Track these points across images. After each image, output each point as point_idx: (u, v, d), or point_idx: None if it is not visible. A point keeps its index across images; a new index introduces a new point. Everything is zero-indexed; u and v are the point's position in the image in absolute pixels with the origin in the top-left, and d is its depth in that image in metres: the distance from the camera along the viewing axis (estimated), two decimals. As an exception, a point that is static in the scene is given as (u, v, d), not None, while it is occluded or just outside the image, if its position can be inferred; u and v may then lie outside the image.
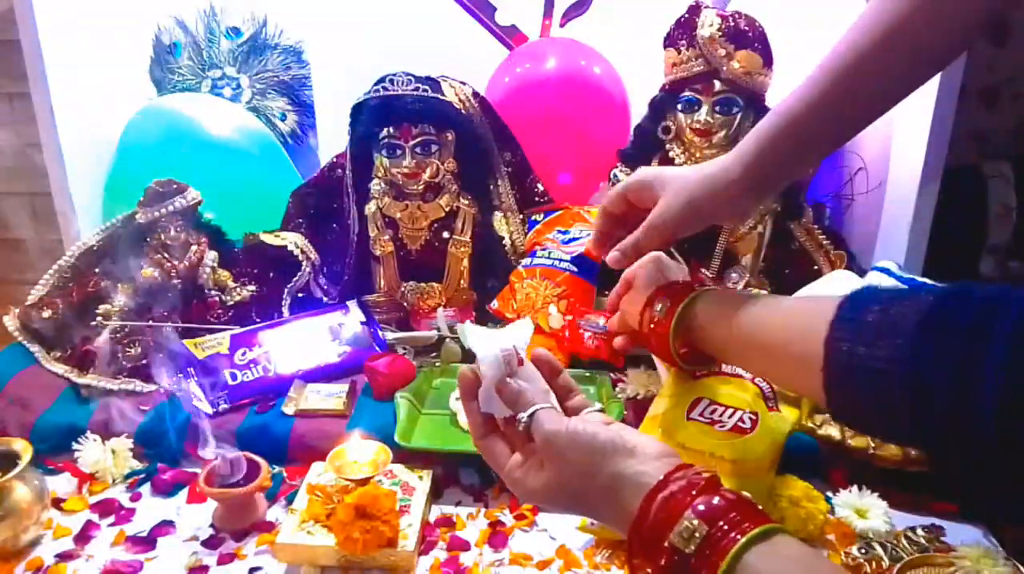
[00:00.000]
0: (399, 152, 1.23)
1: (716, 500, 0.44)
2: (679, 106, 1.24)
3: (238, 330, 1.15)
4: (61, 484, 0.95)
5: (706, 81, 1.20)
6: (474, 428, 0.58)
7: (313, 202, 1.35)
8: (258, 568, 0.83)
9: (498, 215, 1.32)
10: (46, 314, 1.16)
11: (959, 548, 0.81)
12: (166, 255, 1.19)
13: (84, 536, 0.87)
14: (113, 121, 1.41)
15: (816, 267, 1.25)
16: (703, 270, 1.27)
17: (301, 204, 1.36)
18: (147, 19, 1.54)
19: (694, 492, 0.44)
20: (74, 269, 1.22)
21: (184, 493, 0.95)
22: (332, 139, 1.47)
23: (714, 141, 1.23)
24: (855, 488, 0.88)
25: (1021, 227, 1.46)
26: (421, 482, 0.91)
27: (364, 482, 0.86)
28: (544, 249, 1.24)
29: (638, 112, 1.35)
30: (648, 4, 1.37)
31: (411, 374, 1.08)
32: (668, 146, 1.28)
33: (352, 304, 1.23)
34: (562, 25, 1.49)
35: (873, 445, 0.91)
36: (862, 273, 1.07)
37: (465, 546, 0.85)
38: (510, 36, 1.49)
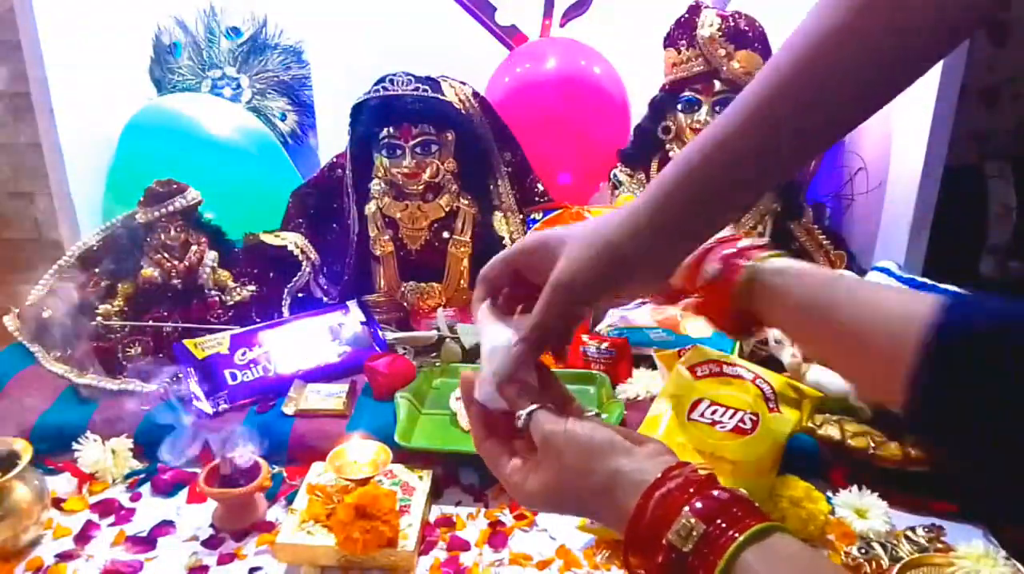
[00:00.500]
0: (399, 152, 1.23)
1: (714, 498, 0.43)
2: (679, 106, 1.24)
3: (238, 330, 1.15)
4: (61, 484, 0.95)
5: (706, 81, 1.21)
6: (475, 430, 0.57)
7: (313, 202, 1.35)
8: (258, 568, 0.83)
9: (498, 215, 1.31)
10: (46, 314, 1.16)
11: (959, 548, 0.81)
12: (166, 255, 1.19)
13: (84, 536, 0.87)
14: (113, 121, 1.41)
15: (816, 267, 1.25)
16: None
17: (301, 204, 1.36)
18: (147, 19, 1.54)
19: (692, 490, 0.44)
20: (74, 269, 1.22)
21: (184, 493, 0.95)
22: (332, 139, 1.47)
23: (714, 141, 1.23)
24: (855, 488, 0.88)
25: (1021, 227, 1.46)
26: (421, 482, 0.91)
27: (364, 482, 0.86)
28: (544, 249, 1.23)
29: (638, 112, 1.35)
30: (648, 4, 1.37)
31: (411, 374, 1.08)
32: (668, 146, 1.28)
33: (352, 304, 1.23)
34: (562, 25, 1.49)
35: (873, 445, 0.91)
36: (862, 273, 1.07)
37: (465, 546, 0.85)
38: (510, 36, 1.49)
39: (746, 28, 1.18)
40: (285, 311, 1.24)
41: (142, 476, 0.97)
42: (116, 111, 1.42)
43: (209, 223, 1.24)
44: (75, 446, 0.97)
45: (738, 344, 1.08)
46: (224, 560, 0.84)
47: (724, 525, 0.42)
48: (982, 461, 0.47)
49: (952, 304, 0.44)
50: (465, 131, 1.26)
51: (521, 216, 1.33)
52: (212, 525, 0.89)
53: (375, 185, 1.26)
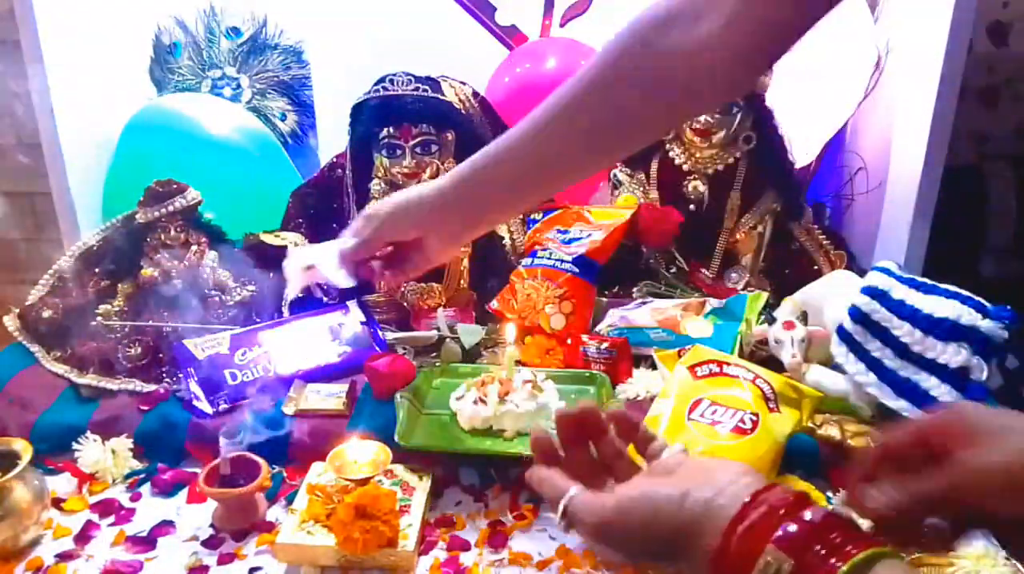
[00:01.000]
0: (399, 152, 1.23)
1: (805, 523, 0.38)
2: (679, 106, 1.24)
3: (238, 330, 1.15)
4: (61, 484, 0.95)
5: (706, 81, 1.20)
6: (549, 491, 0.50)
7: (313, 202, 1.35)
8: (258, 568, 0.83)
9: (498, 215, 1.31)
10: (46, 314, 1.16)
11: (959, 548, 0.80)
12: (166, 255, 1.19)
13: (84, 536, 0.87)
14: (113, 121, 1.41)
15: (816, 267, 1.25)
16: (703, 270, 1.27)
17: (301, 204, 1.35)
18: (147, 19, 1.54)
19: (778, 516, 0.38)
20: (74, 269, 1.22)
21: (184, 493, 0.95)
22: (332, 139, 1.47)
23: (714, 141, 1.23)
24: (855, 488, 0.88)
25: (1021, 227, 1.46)
26: (421, 482, 0.91)
27: (364, 482, 0.86)
28: (545, 249, 1.24)
29: (638, 112, 1.35)
30: (648, 4, 1.37)
31: (411, 374, 1.08)
32: (668, 146, 1.28)
33: (352, 304, 1.23)
34: (562, 25, 1.49)
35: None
36: (862, 273, 1.07)
37: (465, 546, 0.85)
38: (510, 36, 1.49)
39: (746, 28, 1.18)
40: (285, 311, 1.24)
41: (142, 476, 0.97)
42: (116, 111, 1.42)
43: (209, 223, 1.24)
44: (75, 446, 0.97)
45: (738, 344, 1.08)
46: (224, 560, 0.84)
47: (823, 553, 0.37)
48: None
49: None
50: (465, 131, 1.26)
51: (521, 216, 1.33)
52: (212, 525, 0.89)
53: (375, 185, 1.26)
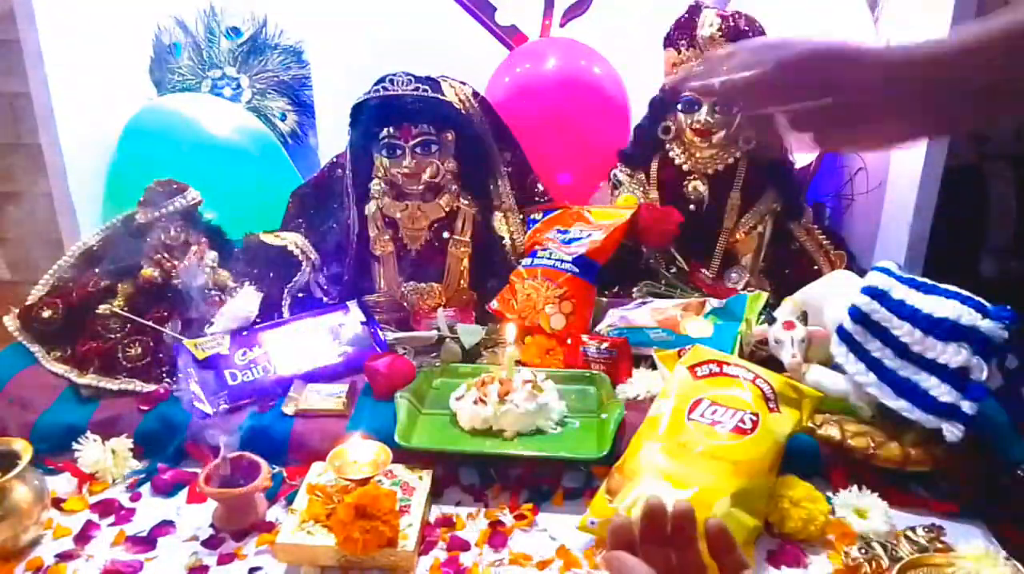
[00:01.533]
0: (399, 152, 1.23)
1: None
2: (679, 106, 1.24)
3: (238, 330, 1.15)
4: (61, 484, 0.95)
5: (706, 81, 1.20)
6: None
7: (313, 202, 1.35)
8: (258, 568, 0.83)
9: (498, 215, 1.31)
10: (46, 314, 1.16)
11: (959, 548, 0.81)
12: (166, 255, 1.19)
13: (84, 536, 0.87)
14: (113, 121, 1.41)
15: (816, 267, 1.25)
16: (703, 270, 1.27)
17: (301, 204, 1.36)
18: (147, 19, 1.54)
19: None
20: (74, 269, 1.22)
21: (184, 493, 0.95)
22: (332, 139, 1.47)
23: (714, 141, 1.23)
24: (855, 488, 0.88)
25: (1021, 227, 1.46)
26: (421, 482, 0.91)
27: (364, 482, 0.86)
28: (545, 249, 1.24)
29: (638, 112, 1.35)
30: (648, 4, 1.37)
31: (411, 374, 1.08)
32: (668, 146, 1.28)
33: (352, 304, 1.23)
34: (562, 25, 1.49)
35: (873, 445, 0.91)
36: (862, 273, 1.07)
37: (465, 546, 0.85)
38: (510, 36, 1.49)
39: (746, 28, 1.18)
40: (285, 311, 1.24)
41: (142, 476, 0.97)
42: (116, 111, 1.42)
43: (209, 223, 1.24)
44: (75, 446, 0.97)
45: (738, 344, 1.08)
46: (224, 560, 0.84)
47: None
48: None
49: None
50: (465, 131, 1.26)
51: (521, 216, 1.33)
52: (212, 525, 0.89)
53: (375, 185, 1.26)
